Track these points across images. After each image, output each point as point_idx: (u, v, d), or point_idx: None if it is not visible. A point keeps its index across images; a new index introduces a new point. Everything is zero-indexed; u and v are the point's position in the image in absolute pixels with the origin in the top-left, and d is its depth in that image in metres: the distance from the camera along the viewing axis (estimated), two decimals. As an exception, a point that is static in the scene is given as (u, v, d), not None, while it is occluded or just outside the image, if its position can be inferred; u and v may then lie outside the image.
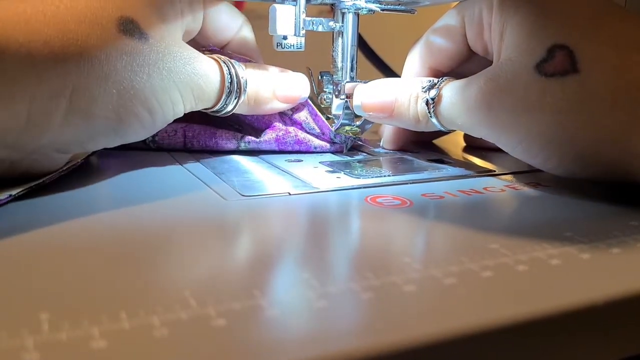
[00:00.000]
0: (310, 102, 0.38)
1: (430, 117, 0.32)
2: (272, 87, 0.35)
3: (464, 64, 0.37)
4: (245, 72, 0.34)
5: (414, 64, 0.37)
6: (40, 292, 0.17)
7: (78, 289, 0.18)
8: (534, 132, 0.28)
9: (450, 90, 0.31)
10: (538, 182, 0.32)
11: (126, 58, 0.27)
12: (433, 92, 0.32)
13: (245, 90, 0.33)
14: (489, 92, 0.29)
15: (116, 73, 0.27)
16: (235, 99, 0.33)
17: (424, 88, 0.33)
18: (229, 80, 0.32)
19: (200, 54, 0.32)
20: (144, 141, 0.38)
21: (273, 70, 0.36)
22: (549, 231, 0.24)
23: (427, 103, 0.32)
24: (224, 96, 0.33)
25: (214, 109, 0.33)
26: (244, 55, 0.37)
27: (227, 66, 0.32)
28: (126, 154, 0.37)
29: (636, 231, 0.24)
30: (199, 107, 0.32)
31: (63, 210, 0.25)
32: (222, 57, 0.33)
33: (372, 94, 0.35)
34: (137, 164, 0.34)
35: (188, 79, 0.30)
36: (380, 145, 0.41)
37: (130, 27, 0.28)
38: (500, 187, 0.31)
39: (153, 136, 0.36)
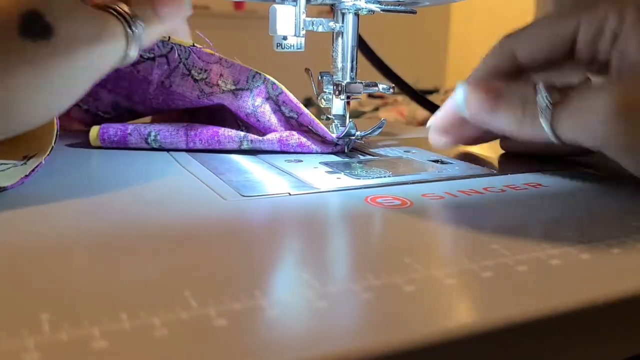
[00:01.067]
0: (311, 115, 0.37)
1: (544, 122, 0.28)
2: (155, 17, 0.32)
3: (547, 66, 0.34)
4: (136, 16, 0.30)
5: (503, 45, 0.35)
6: (41, 293, 0.17)
7: (78, 289, 0.18)
8: None
9: (578, 95, 0.28)
10: (538, 183, 0.32)
11: (24, 67, 0.25)
12: (554, 96, 0.28)
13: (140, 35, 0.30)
14: (630, 100, 0.26)
15: (18, 86, 0.25)
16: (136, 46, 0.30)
17: (540, 90, 0.28)
18: (132, 35, 0.30)
19: (101, 14, 0.29)
20: (145, 141, 0.38)
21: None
22: (549, 231, 0.24)
23: (545, 106, 0.28)
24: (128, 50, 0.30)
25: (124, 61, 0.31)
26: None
27: (127, 21, 0.30)
28: (126, 154, 0.37)
29: (636, 231, 0.24)
30: (111, 65, 0.30)
31: (62, 210, 0.25)
32: (116, 8, 0.30)
33: (476, 89, 0.31)
34: (137, 163, 0.34)
35: (93, 64, 0.28)
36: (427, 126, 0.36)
37: (33, 25, 0.26)
38: (500, 187, 0.31)
39: (155, 135, 0.37)
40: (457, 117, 0.33)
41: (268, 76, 0.37)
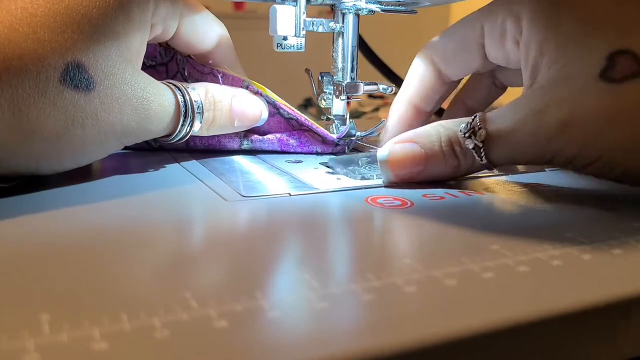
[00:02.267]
0: (310, 120, 0.37)
1: (481, 161, 0.29)
2: (227, 111, 0.34)
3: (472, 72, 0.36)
4: (199, 96, 0.33)
5: (421, 70, 0.36)
6: (41, 294, 0.17)
7: (78, 290, 0.18)
8: (616, 143, 0.27)
9: (505, 125, 0.28)
10: (538, 183, 0.32)
11: (58, 114, 0.26)
12: (480, 135, 0.28)
13: (199, 114, 0.33)
14: (563, 115, 0.27)
15: (43, 129, 0.26)
16: (189, 125, 0.32)
17: (463, 132, 0.29)
18: (184, 107, 0.31)
19: (152, 81, 0.30)
20: (146, 141, 0.38)
21: (228, 91, 0.35)
22: (550, 232, 0.24)
23: (475, 147, 0.28)
24: (179, 124, 0.32)
25: (170, 138, 0.33)
26: (223, 65, 0.36)
27: (182, 93, 0.32)
28: (126, 154, 0.37)
29: (638, 232, 0.24)
30: (149, 138, 0.31)
31: (62, 211, 0.25)
32: (175, 82, 0.32)
33: (396, 151, 0.31)
34: (137, 164, 0.34)
35: (127, 122, 0.29)
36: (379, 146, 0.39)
37: (74, 75, 0.26)
38: (500, 187, 0.31)
39: (161, 140, 0.37)
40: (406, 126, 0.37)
41: (260, 89, 0.37)
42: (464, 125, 0.29)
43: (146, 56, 0.38)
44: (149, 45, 0.37)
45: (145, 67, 0.39)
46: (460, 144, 0.29)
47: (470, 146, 0.29)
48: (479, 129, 0.28)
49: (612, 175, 0.28)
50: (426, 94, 0.37)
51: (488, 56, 0.34)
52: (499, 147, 0.28)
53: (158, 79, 0.39)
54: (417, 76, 0.37)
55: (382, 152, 0.31)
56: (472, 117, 0.29)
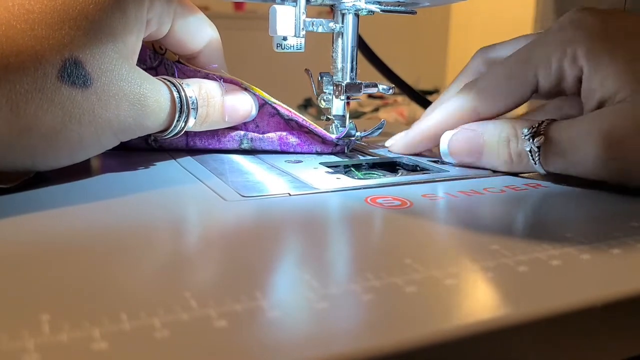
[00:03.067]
0: (309, 122, 0.37)
1: (534, 164, 0.31)
2: (220, 106, 0.35)
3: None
4: (193, 92, 0.33)
5: (458, 107, 0.35)
6: (41, 294, 0.17)
7: (78, 290, 0.18)
8: None
9: (563, 136, 0.30)
10: (538, 183, 0.32)
11: (55, 110, 0.26)
12: (538, 140, 0.30)
13: (194, 110, 0.33)
14: (616, 139, 0.29)
15: (40, 125, 0.26)
16: (184, 121, 0.33)
17: (524, 134, 0.31)
18: (179, 103, 0.32)
19: (148, 77, 0.31)
20: (146, 141, 0.38)
21: (218, 87, 0.35)
22: (549, 232, 0.24)
23: (531, 150, 0.31)
24: (175, 120, 0.32)
25: (165, 133, 0.33)
26: (210, 66, 0.37)
27: (177, 89, 0.32)
28: (126, 154, 0.37)
29: (637, 232, 0.24)
30: (145, 133, 0.32)
31: (62, 211, 0.25)
32: (170, 78, 0.33)
33: (458, 138, 0.34)
34: (136, 164, 0.34)
35: (124, 118, 0.29)
36: (387, 147, 0.39)
37: (72, 71, 0.27)
38: (500, 187, 0.31)
39: (155, 135, 0.37)
40: (430, 139, 0.37)
41: (259, 93, 0.37)
42: (527, 128, 0.31)
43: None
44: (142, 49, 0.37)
45: None
46: (517, 144, 0.32)
47: (527, 148, 0.31)
48: (540, 134, 0.30)
49: None
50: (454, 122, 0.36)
51: (540, 93, 0.34)
52: (554, 156, 0.30)
53: None
54: (450, 110, 0.36)
55: (445, 138, 0.35)
56: (540, 122, 0.31)
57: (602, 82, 0.30)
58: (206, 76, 0.36)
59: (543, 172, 0.32)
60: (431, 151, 0.38)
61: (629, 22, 0.31)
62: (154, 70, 0.38)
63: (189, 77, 0.36)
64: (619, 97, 0.30)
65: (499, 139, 0.33)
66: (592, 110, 0.31)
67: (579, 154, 0.30)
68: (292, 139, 0.37)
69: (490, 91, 0.34)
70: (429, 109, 0.41)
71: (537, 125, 0.31)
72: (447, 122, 0.36)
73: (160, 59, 0.37)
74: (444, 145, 0.35)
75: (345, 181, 0.31)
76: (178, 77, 0.37)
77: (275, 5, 0.35)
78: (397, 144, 0.39)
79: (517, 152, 0.32)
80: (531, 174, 0.34)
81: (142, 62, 0.38)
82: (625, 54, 0.30)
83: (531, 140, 0.31)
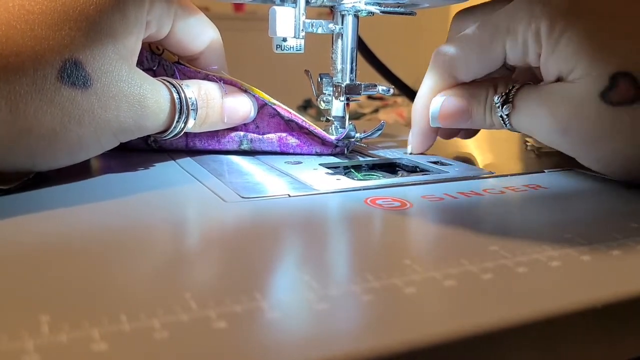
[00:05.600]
0: (309, 123, 0.37)
1: (505, 126, 0.34)
2: (219, 108, 0.35)
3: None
4: (193, 93, 0.33)
5: (442, 75, 0.36)
6: (40, 294, 0.17)
7: (78, 291, 0.18)
8: (608, 155, 0.30)
9: (525, 106, 0.33)
10: (538, 184, 0.32)
11: (55, 111, 0.26)
12: (507, 107, 0.33)
13: (194, 111, 0.33)
14: (560, 118, 0.31)
15: (40, 126, 0.26)
16: (184, 122, 0.33)
17: (496, 102, 0.34)
18: (179, 104, 0.32)
19: (148, 78, 0.31)
20: (145, 142, 0.38)
21: (217, 89, 0.35)
22: (549, 233, 0.24)
23: (501, 117, 0.34)
24: (174, 121, 0.32)
25: (165, 134, 0.33)
26: (210, 67, 0.37)
27: (177, 90, 0.32)
28: (126, 155, 0.37)
29: (636, 233, 0.24)
30: (144, 134, 0.32)
31: (62, 211, 0.25)
32: (170, 79, 0.33)
33: (447, 108, 0.36)
34: (136, 165, 0.34)
35: (124, 118, 0.29)
36: (408, 152, 0.39)
37: (72, 72, 0.27)
38: (499, 189, 0.31)
39: (155, 136, 0.37)
40: (429, 127, 0.38)
41: (258, 94, 0.37)
42: (497, 97, 0.34)
43: None
44: None
45: None
46: (494, 110, 0.34)
47: (498, 114, 0.34)
48: (509, 102, 0.33)
49: (616, 176, 0.31)
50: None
51: (508, 65, 0.35)
52: (519, 124, 0.33)
53: None
54: (431, 84, 0.37)
55: (434, 104, 0.36)
56: (509, 89, 0.33)
57: (557, 61, 0.31)
58: (206, 77, 0.36)
59: (519, 131, 0.34)
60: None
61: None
62: (152, 72, 0.38)
63: (188, 78, 0.36)
64: (571, 77, 0.30)
65: (484, 107, 0.35)
66: (547, 80, 0.32)
67: (537, 125, 0.32)
68: (292, 140, 0.37)
69: (463, 60, 0.35)
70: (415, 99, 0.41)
71: (507, 92, 0.33)
72: (431, 95, 0.37)
73: (158, 60, 0.37)
74: (434, 110, 0.36)
75: (344, 182, 0.31)
76: (178, 78, 0.37)
77: (275, 7, 0.35)
78: (413, 145, 0.39)
79: (496, 118, 0.34)
80: (531, 173, 0.34)
81: (139, 64, 0.38)
82: (584, 34, 0.30)
83: (501, 108, 0.33)
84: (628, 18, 0.30)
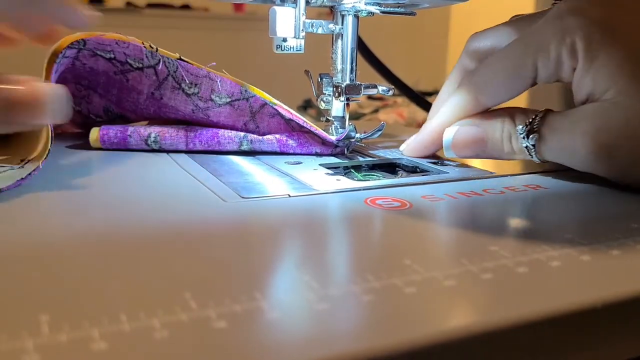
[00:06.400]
0: (310, 123, 0.37)
1: (532, 158, 0.32)
2: None
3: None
4: None
5: (459, 100, 0.35)
6: (40, 294, 0.17)
7: (78, 290, 0.18)
8: None
9: (554, 135, 0.31)
10: (538, 185, 0.32)
11: None
12: (532, 138, 0.31)
13: None
14: (605, 140, 0.29)
15: None
16: None
17: (520, 132, 0.32)
18: None
19: None
20: (145, 142, 0.38)
21: None
22: (549, 233, 0.24)
23: (527, 147, 0.32)
24: None
25: None
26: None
27: None
28: (125, 155, 0.37)
29: (636, 233, 0.24)
30: None
31: (62, 211, 0.25)
32: None
33: (461, 136, 0.35)
34: (136, 165, 0.34)
35: None
36: (401, 151, 0.39)
37: None
38: (499, 189, 0.31)
39: (155, 137, 0.37)
40: (437, 141, 0.36)
41: (258, 93, 0.37)
42: (521, 125, 0.32)
43: (133, 58, 0.38)
44: (135, 46, 0.37)
45: (132, 69, 0.39)
46: (517, 140, 0.32)
47: (524, 145, 0.32)
48: (534, 132, 0.31)
49: None
50: (460, 118, 0.36)
51: (538, 82, 0.34)
52: (549, 152, 0.31)
53: (147, 82, 0.39)
54: (454, 107, 0.36)
55: (448, 134, 0.35)
56: (533, 117, 0.32)
57: (594, 77, 0.30)
58: (207, 75, 0.36)
59: (538, 160, 0.32)
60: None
61: (633, 12, 0.31)
62: (152, 69, 0.38)
63: (192, 74, 0.36)
64: (607, 95, 0.30)
65: (502, 136, 0.33)
66: (581, 102, 0.31)
67: (570, 154, 0.31)
68: (292, 141, 0.37)
69: (490, 82, 0.34)
70: (432, 110, 0.40)
71: (530, 121, 0.32)
72: (453, 118, 0.36)
73: (158, 58, 0.37)
74: (447, 141, 0.35)
75: (344, 182, 0.31)
76: (181, 75, 0.37)
77: (275, 7, 0.35)
78: (409, 147, 0.38)
79: (518, 147, 0.33)
80: (531, 173, 0.34)
81: (139, 61, 0.38)
82: (620, 49, 0.30)
83: (526, 139, 0.32)
84: None
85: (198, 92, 0.38)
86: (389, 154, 0.39)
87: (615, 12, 0.31)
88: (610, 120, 0.29)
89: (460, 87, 0.36)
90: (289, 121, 0.38)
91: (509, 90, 0.34)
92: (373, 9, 0.37)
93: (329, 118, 0.39)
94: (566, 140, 0.31)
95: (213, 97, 0.37)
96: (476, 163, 0.38)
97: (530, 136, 0.31)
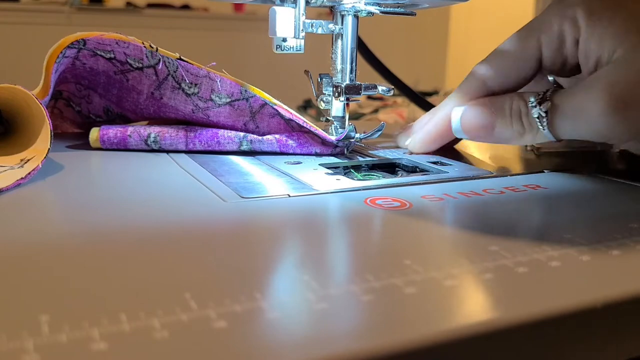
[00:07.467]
0: (310, 123, 0.37)
1: (543, 129, 0.32)
2: None
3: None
4: None
5: (472, 90, 0.36)
6: (40, 294, 0.17)
7: (78, 290, 0.18)
8: None
9: (568, 99, 0.31)
10: (537, 185, 0.32)
11: None
12: (545, 105, 0.31)
13: None
14: (619, 91, 0.29)
15: None
16: None
17: (531, 102, 0.32)
18: None
19: None
20: (145, 142, 0.38)
21: None
22: (548, 233, 0.24)
23: (539, 117, 0.31)
24: None
25: None
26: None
27: None
28: (125, 155, 0.37)
29: (636, 233, 0.24)
30: None
31: (62, 211, 0.25)
32: None
33: (469, 114, 0.35)
34: (136, 165, 0.34)
35: None
36: (405, 146, 0.39)
37: None
38: (499, 189, 0.31)
39: (154, 137, 0.37)
40: (444, 131, 0.36)
41: (258, 93, 0.37)
42: (533, 97, 0.32)
43: (133, 58, 0.38)
44: (135, 46, 0.37)
45: (132, 69, 0.39)
46: (527, 114, 0.32)
47: (535, 115, 0.32)
48: (547, 100, 0.31)
49: None
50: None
51: (544, 67, 0.34)
52: (562, 120, 0.31)
53: (147, 82, 0.39)
54: (462, 92, 0.36)
55: (456, 114, 0.35)
56: (545, 90, 0.32)
57: (600, 41, 0.31)
58: (207, 75, 0.36)
59: (553, 138, 0.32)
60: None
61: None
62: (152, 69, 0.38)
63: (192, 74, 0.36)
64: (617, 54, 0.30)
65: (511, 110, 0.33)
66: (590, 71, 0.32)
67: (585, 114, 0.30)
68: (291, 141, 0.37)
69: (498, 65, 0.35)
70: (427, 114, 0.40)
71: (543, 93, 0.32)
72: (461, 104, 0.36)
73: (158, 58, 0.37)
74: (455, 121, 0.35)
75: (344, 182, 0.31)
76: (181, 75, 0.37)
77: (274, 7, 0.35)
78: (415, 141, 0.38)
79: (528, 121, 0.32)
80: (531, 173, 0.34)
81: (139, 61, 0.38)
82: (623, 13, 0.30)
83: (538, 107, 0.31)
84: None
85: (198, 92, 0.38)
86: (388, 154, 0.39)
87: None
88: (625, 74, 0.29)
89: (468, 75, 0.36)
90: (288, 121, 0.38)
91: (516, 72, 0.34)
92: (373, 9, 0.37)
93: (328, 118, 0.39)
94: (580, 99, 0.30)
95: (213, 97, 0.37)
96: (476, 163, 0.38)
97: (543, 104, 0.31)
